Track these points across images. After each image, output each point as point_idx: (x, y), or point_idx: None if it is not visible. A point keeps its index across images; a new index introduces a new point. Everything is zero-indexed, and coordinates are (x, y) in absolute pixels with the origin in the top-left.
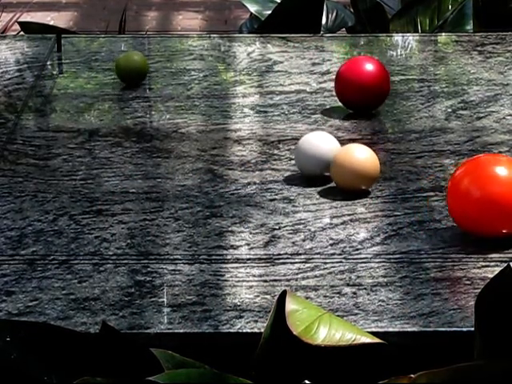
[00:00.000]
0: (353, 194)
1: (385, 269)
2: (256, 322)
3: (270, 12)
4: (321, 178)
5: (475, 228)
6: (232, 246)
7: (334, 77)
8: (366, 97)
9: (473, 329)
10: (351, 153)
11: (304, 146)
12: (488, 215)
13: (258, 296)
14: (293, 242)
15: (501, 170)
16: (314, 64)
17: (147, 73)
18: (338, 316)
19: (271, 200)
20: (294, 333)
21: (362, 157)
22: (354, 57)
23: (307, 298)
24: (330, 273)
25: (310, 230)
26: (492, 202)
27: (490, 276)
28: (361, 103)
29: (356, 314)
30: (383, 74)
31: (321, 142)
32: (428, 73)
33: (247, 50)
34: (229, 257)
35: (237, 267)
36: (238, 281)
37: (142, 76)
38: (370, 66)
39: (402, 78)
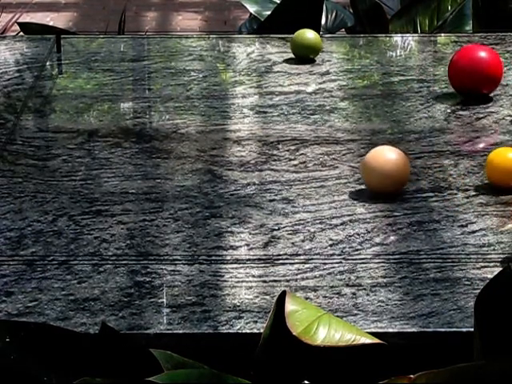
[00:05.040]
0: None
1: (384, 269)
2: (255, 322)
3: (269, 12)
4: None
5: None
6: (231, 247)
7: (333, 77)
8: (480, 82)
9: (472, 329)
10: (381, 155)
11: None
12: None
13: (258, 296)
14: (292, 243)
15: None
16: (313, 65)
17: (320, 49)
18: (337, 316)
19: (271, 200)
20: (294, 333)
21: (392, 159)
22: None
23: (307, 298)
24: (329, 273)
25: (309, 230)
26: None
27: (490, 276)
28: (475, 88)
29: (355, 315)
30: (496, 59)
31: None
32: (427, 73)
33: (247, 51)
34: (228, 257)
35: (236, 268)
36: (238, 281)
37: (316, 52)
38: (483, 53)
39: (402, 78)
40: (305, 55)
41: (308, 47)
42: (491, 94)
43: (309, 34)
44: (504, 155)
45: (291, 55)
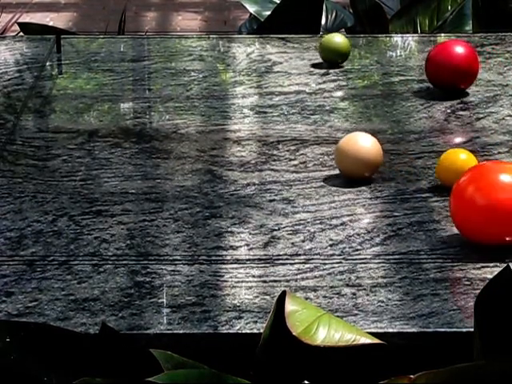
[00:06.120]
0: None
1: (384, 269)
2: (255, 322)
3: (269, 13)
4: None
5: (479, 236)
6: (231, 247)
7: (333, 77)
8: (457, 77)
9: (472, 329)
10: (355, 140)
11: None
12: (492, 223)
13: (258, 297)
14: (292, 243)
15: (505, 178)
16: (313, 65)
17: (349, 53)
18: (337, 316)
19: (271, 201)
20: (294, 333)
21: (365, 144)
22: (445, 41)
23: (307, 298)
24: (329, 273)
25: (309, 230)
26: (496, 210)
27: (490, 276)
28: (452, 83)
29: (355, 315)
30: (472, 55)
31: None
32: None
33: (247, 51)
34: (228, 257)
35: (236, 268)
36: (238, 281)
37: (344, 56)
38: (460, 49)
39: (402, 78)
40: (334, 60)
41: (337, 52)
42: (493, 95)
43: (337, 39)
44: (455, 156)
45: (291, 55)
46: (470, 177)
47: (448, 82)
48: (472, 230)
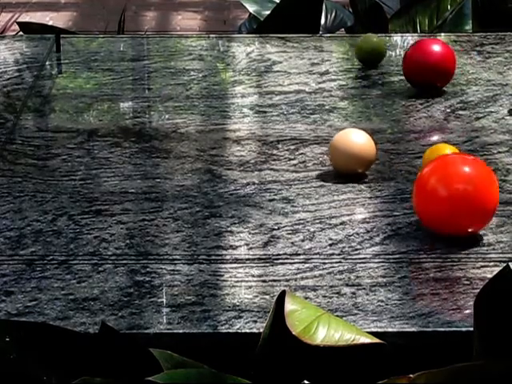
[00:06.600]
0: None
1: (384, 269)
2: (255, 322)
3: (268, 12)
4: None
5: (441, 227)
6: (231, 246)
7: (333, 77)
8: (433, 75)
9: (472, 329)
10: (348, 137)
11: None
12: (454, 214)
13: (257, 296)
14: (292, 243)
15: (467, 169)
16: (313, 64)
17: (385, 54)
18: (337, 316)
19: (270, 200)
20: (293, 333)
21: (359, 141)
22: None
23: (306, 298)
24: (329, 273)
25: (309, 230)
26: (458, 201)
27: (489, 276)
28: (428, 81)
29: (355, 314)
30: (449, 53)
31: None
32: None
33: (246, 50)
34: (228, 257)
35: (236, 267)
36: (237, 281)
37: (381, 57)
38: (436, 47)
39: (401, 77)
40: (371, 60)
41: (375, 52)
42: (493, 95)
43: (375, 39)
44: (440, 152)
45: (291, 55)
46: (432, 168)
47: (424, 80)
48: (434, 221)
